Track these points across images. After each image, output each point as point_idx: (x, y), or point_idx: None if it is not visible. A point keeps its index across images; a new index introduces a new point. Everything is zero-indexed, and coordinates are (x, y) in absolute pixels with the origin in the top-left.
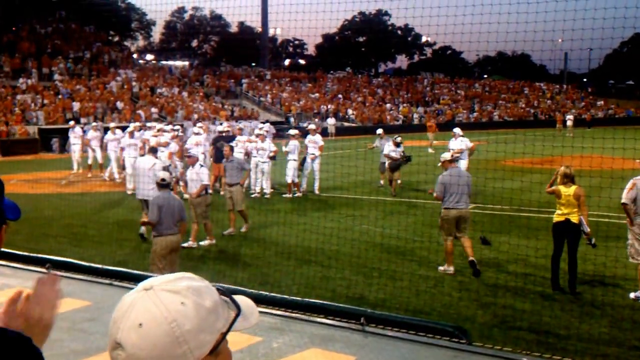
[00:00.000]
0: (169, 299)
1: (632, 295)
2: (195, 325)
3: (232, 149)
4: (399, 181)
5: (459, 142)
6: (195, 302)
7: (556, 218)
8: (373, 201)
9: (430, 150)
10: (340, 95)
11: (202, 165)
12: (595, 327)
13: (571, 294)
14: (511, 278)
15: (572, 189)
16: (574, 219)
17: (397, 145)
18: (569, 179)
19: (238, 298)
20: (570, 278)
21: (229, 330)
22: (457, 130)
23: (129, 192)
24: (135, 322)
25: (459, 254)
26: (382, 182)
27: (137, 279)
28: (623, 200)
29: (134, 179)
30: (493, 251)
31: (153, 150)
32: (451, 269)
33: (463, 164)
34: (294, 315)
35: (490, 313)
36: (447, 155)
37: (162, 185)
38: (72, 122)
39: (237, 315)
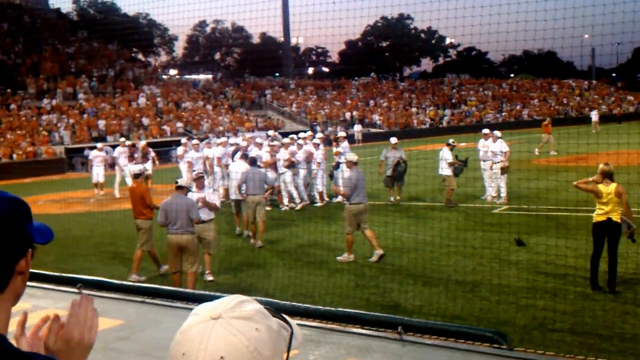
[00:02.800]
0: (244, 326)
1: None
2: (271, 350)
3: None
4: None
5: (499, 144)
6: (267, 326)
7: (597, 217)
8: (404, 207)
9: (537, 152)
10: (366, 102)
11: None
12: (638, 327)
13: (610, 293)
14: (549, 279)
15: (612, 187)
16: (616, 217)
17: (452, 149)
18: (608, 177)
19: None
20: (611, 277)
21: (289, 350)
22: (496, 132)
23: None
24: (216, 355)
25: (494, 256)
26: (392, 198)
27: (169, 296)
28: None
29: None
30: (529, 252)
31: (245, 157)
32: (352, 256)
33: (497, 166)
34: (329, 326)
35: (529, 316)
36: (353, 157)
37: (177, 187)
38: (100, 144)
39: (292, 334)
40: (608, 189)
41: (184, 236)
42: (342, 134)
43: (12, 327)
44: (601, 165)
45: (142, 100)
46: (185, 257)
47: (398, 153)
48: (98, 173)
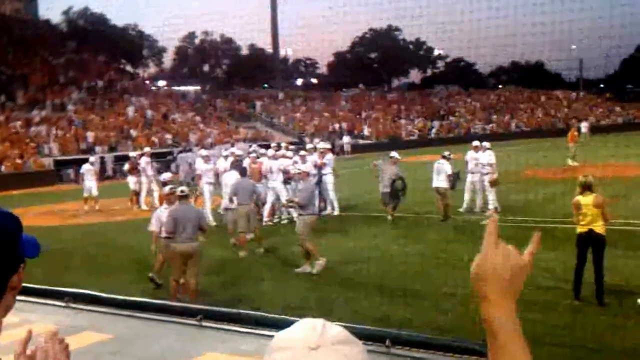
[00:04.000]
0: (348, 350)
1: None
2: None
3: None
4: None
5: (487, 155)
6: (362, 347)
7: (579, 229)
8: (395, 218)
9: (571, 163)
10: (355, 113)
11: None
12: (627, 340)
13: (599, 305)
14: (538, 292)
15: (590, 198)
16: (598, 229)
17: (448, 160)
18: (586, 188)
19: None
20: (598, 289)
21: None
22: (485, 143)
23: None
24: None
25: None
26: (389, 217)
27: (160, 310)
28: None
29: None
30: None
31: (237, 167)
32: (323, 259)
33: (486, 177)
34: None
35: None
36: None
37: (182, 196)
38: (92, 158)
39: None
40: (586, 200)
41: (191, 244)
42: (327, 145)
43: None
44: (580, 178)
45: (130, 111)
46: (190, 266)
47: (395, 169)
48: (91, 187)
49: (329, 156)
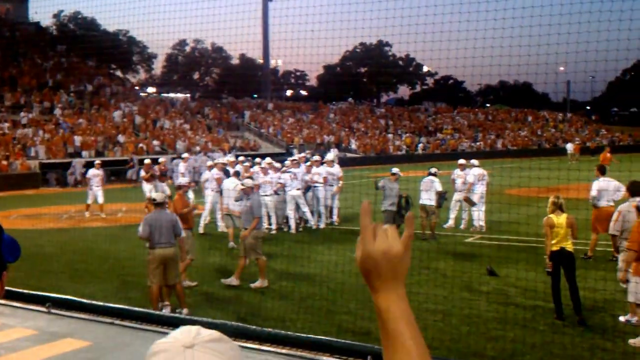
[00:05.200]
0: (220, 347)
1: (622, 318)
2: None
3: None
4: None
5: (475, 171)
6: (234, 344)
7: (552, 247)
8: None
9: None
10: (344, 126)
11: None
12: None
13: (579, 322)
14: (519, 310)
15: (563, 218)
16: (568, 247)
17: (436, 176)
18: (557, 208)
19: None
20: (575, 305)
21: None
22: (473, 161)
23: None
24: None
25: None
26: None
27: (140, 318)
28: (611, 232)
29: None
30: (500, 282)
31: (237, 175)
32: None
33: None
34: (298, 353)
35: (499, 347)
36: (250, 183)
37: (156, 204)
38: (98, 161)
39: None
40: (559, 219)
41: (169, 249)
42: (316, 158)
43: None
44: (551, 198)
45: (118, 116)
46: (169, 269)
47: (396, 185)
48: (97, 195)
49: (335, 169)
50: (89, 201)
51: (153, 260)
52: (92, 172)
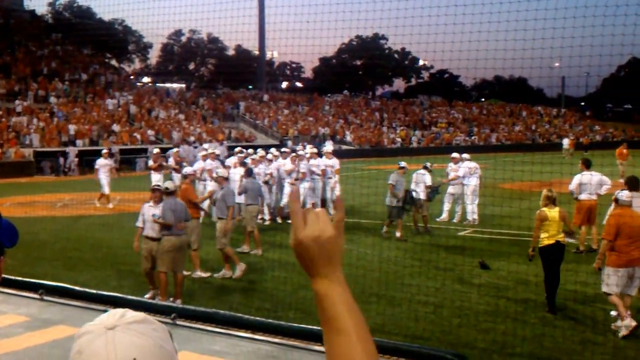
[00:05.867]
0: (142, 328)
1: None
2: (170, 346)
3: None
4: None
5: (467, 165)
6: (159, 325)
7: (546, 241)
8: (370, 225)
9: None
10: (339, 118)
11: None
12: (596, 354)
13: (550, 312)
14: (510, 303)
15: (555, 211)
16: (562, 240)
17: (429, 171)
18: (551, 202)
19: None
20: (553, 294)
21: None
22: (465, 155)
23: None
24: (129, 359)
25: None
26: (398, 233)
27: (133, 305)
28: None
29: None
30: (492, 276)
31: (243, 164)
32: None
33: (467, 189)
34: (290, 342)
35: (490, 339)
36: (224, 173)
37: (168, 193)
38: (105, 150)
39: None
40: (552, 212)
41: (184, 237)
42: (313, 150)
43: None
44: (544, 192)
45: (112, 105)
46: (181, 257)
47: (403, 179)
48: (104, 184)
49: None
50: (106, 191)
51: (169, 247)
52: (100, 161)
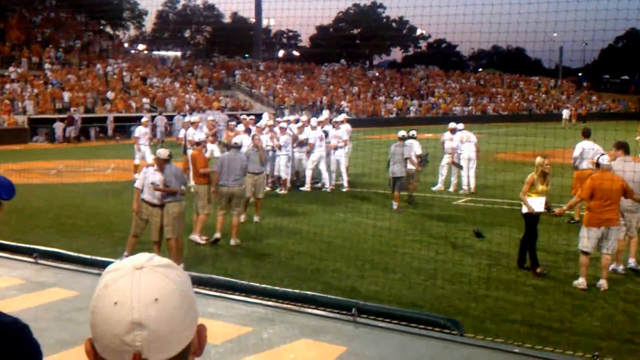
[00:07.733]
0: (168, 272)
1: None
2: (192, 292)
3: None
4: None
5: (459, 134)
6: (183, 271)
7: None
8: (365, 193)
9: None
10: (336, 88)
11: None
12: (589, 322)
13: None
14: (505, 271)
15: (542, 188)
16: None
17: (415, 139)
18: (542, 176)
19: None
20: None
21: None
22: (459, 125)
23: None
24: (150, 299)
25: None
26: (395, 205)
27: None
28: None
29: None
30: (487, 244)
31: (248, 132)
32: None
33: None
34: (284, 306)
35: (483, 306)
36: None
37: (167, 160)
38: (145, 118)
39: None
40: (541, 187)
41: (183, 203)
42: (305, 118)
43: None
44: (541, 166)
45: (107, 72)
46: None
47: (401, 149)
48: (145, 152)
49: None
50: (137, 161)
51: (178, 213)
52: (139, 130)
